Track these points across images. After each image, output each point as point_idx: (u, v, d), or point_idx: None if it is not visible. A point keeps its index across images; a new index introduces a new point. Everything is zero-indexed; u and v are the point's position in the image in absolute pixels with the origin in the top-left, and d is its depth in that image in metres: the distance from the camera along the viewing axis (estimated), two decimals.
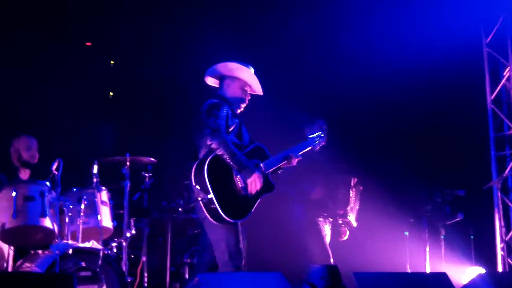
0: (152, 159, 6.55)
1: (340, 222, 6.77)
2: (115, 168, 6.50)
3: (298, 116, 7.00)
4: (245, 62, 5.33)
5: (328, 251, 6.55)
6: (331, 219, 6.71)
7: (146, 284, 6.80)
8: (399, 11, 8.03)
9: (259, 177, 4.96)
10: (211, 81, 5.41)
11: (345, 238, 6.91)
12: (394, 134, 8.74)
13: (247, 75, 5.30)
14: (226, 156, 4.84)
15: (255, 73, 5.34)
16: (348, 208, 6.75)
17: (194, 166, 4.85)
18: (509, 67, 8.17)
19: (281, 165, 5.31)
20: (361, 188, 6.96)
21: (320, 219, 6.66)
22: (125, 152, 6.36)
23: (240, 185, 4.93)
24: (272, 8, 8.26)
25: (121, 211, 6.39)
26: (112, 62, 8.94)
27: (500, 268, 7.85)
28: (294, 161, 5.37)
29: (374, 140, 8.70)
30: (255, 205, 5.01)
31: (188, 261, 7.31)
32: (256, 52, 6.85)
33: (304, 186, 6.67)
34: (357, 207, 6.89)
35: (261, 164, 5.09)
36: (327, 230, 6.69)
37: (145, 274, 6.75)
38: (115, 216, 6.23)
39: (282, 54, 8.29)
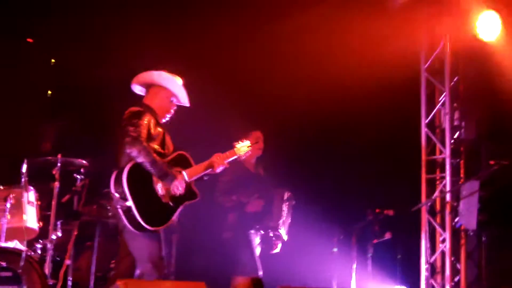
0: (84, 161, 6.48)
1: (271, 235, 6.83)
2: (46, 168, 6.41)
3: (235, 127, 7.03)
4: (176, 72, 5.34)
5: (257, 263, 6.60)
6: (262, 232, 6.76)
7: (71, 287, 6.71)
8: (342, 27, 8.09)
9: (181, 184, 4.95)
10: (137, 89, 5.38)
11: (277, 251, 6.96)
12: (329, 151, 8.85)
13: (174, 86, 5.28)
14: (146, 164, 4.81)
15: (184, 84, 5.33)
16: (280, 221, 6.82)
17: (114, 174, 4.83)
18: (445, 93, 8.39)
19: (205, 173, 5.28)
20: (293, 202, 7.04)
21: (252, 231, 6.71)
22: (57, 152, 6.28)
23: (160, 193, 4.92)
24: (209, 16, 8.23)
25: (49, 213, 6.30)
26: (53, 60, 8.81)
27: None
28: (218, 169, 5.35)
29: (309, 156, 8.79)
30: (176, 213, 5.00)
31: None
32: (193, 62, 6.82)
33: (240, 198, 6.72)
34: (289, 221, 6.97)
35: (183, 172, 5.07)
36: (257, 242, 6.74)
37: (70, 278, 6.66)
38: (43, 218, 6.13)
39: (218, 64, 8.26)
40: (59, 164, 6.31)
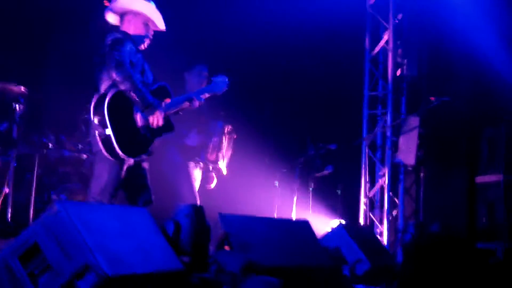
0: (23, 88, 6.30)
1: (210, 168, 6.82)
2: None
3: (178, 60, 6.94)
4: None
5: (195, 194, 6.60)
6: (202, 164, 6.75)
7: (9, 218, 6.61)
8: None
9: (161, 115, 4.91)
10: (112, 18, 5.23)
11: (213, 185, 6.95)
12: (273, 85, 8.85)
13: (149, 9, 5.17)
14: (130, 91, 4.74)
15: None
16: (220, 154, 6.79)
17: (95, 99, 4.73)
18: (388, 29, 8.44)
19: (182, 107, 5.25)
20: (235, 136, 7.01)
21: (192, 163, 6.69)
22: None
23: (139, 123, 4.87)
24: None
25: None
26: None
27: (362, 222, 8.23)
28: (197, 104, 5.32)
29: (253, 91, 8.77)
30: (152, 144, 4.98)
31: (56, 198, 7.15)
32: None
33: (180, 129, 6.65)
34: (229, 155, 6.95)
35: (163, 104, 5.02)
36: (197, 174, 6.72)
37: (9, 209, 6.55)
38: None
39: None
40: None
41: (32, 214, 6.80)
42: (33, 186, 6.88)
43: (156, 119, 4.89)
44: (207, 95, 5.52)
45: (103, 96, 4.73)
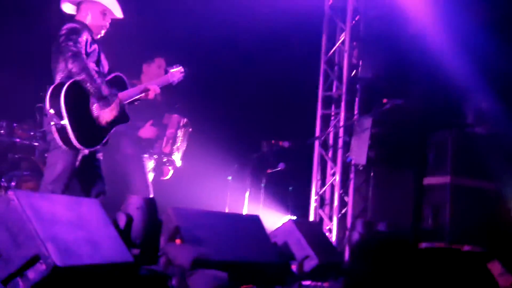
0: None
1: (165, 160, 6.83)
2: None
3: (137, 51, 6.93)
4: None
5: (149, 187, 6.61)
6: (156, 157, 6.75)
7: None
8: None
9: (117, 106, 4.92)
10: (68, 8, 5.19)
11: (168, 177, 6.97)
12: (231, 81, 8.90)
13: None
14: (86, 82, 4.74)
15: None
16: (175, 147, 6.81)
17: (50, 89, 4.71)
18: (345, 31, 8.56)
19: (139, 97, 5.26)
20: (190, 129, 7.04)
21: (146, 155, 6.69)
22: None
23: (95, 114, 4.87)
24: None
25: None
26: None
27: (311, 219, 8.35)
28: (152, 94, 5.33)
29: (210, 86, 8.81)
30: (108, 135, 4.98)
31: (5, 185, 7.09)
32: None
33: (134, 121, 6.64)
34: (184, 148, 6.98)
35: (119, 94, 5.01)
36: (150, 167, 6.73)
37: None
38: None
39: None
40: None
41: None
42: None
43: (112, 110, 4.90)
44: (162, 84, 5.55)
45: (59, 86, 4.71)
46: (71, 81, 4.74)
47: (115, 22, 5.32)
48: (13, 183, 7.10)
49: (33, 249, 3.38)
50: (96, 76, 4.83)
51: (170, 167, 6.90)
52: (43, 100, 4.76)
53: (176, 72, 5.68)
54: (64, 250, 3.50)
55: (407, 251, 5.40)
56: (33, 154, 7.64)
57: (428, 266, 5.21)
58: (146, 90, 5.29)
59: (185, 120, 6.93)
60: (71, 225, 3.76)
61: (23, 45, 7.60)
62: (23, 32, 7.52)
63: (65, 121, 4.65)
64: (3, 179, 7.11)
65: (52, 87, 4.74)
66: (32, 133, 7.43)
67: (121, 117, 5.06)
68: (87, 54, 4.91)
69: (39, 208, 3.62)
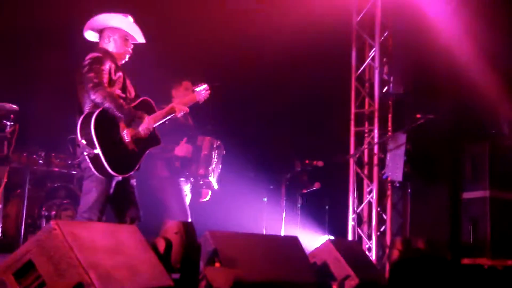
0: (14, 106, 6.35)
1: (201, 183, 6.84)
2: None
3: (166, 76, 6.99)
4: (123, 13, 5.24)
5: (187, 211, 6.60)
6: (192, 179, 6.77)
7: (0, 233, 6.67)
8: None
9: (149, 125, 4.99)
10: (91, 36, 5.27)
11: (207, 199, 6.99)
12: (261, 102, 8.91)
13: (126, 24, 5.19)
14: (113, 109, 4.78)
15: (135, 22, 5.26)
16: (210, 169, 6.82)
17: (80, 120, 4.76)
18: (374, 48, 8.57)
19: (168, 118, 5.31)
20: (223, 152, 7.05)
21: (182, 178, 6.71)
22: None
23: (126, 140, 4.91)
24: None
25: None
26: None
27: (350, 237, 8.31)
28: (179, 113, 5.39)
29: (241, 106, 8.85)
30: (140, 160, 5.02)
31: (46, 213, 7.22)
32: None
33: (166, 144, 6.68)
34: (219, 170, 6.99)
35: (147, 118, 5.05)
36: (187, 190, 6.76)
37: (0, 224, 6.60)
38: None
39: (153, 13, 8.16)
40: None
41: (24, 229, 6.86)
42: (25, 201, 6.95)
43: (146, 126, 4.97)
44: (188, 104, 5.60)
45: (89, 116, 4.76)
46: (99, 110, 4.78)
47: (140, 48, 5.38)
48: (53, 212, 7.22)
49: (76, 277, 3.43)
50: (121, 101, 4.88)
51: (208, 189, 6.92)
52: (74, 132, 4.81)
53: (201, 90, 5.74)
54: (105, 277, 3.54)
55: (447, 268, 5.35)
56: (71, 182, 7.77)
57: (470, 283, 5.15)
58: (173, 111, 5.33)
59: (219, 142, 6.94)
60: (111, 252, 3.80)
61: (61, 75, 7.74)
62: (59, 62, 7.67)
63: (97, 150, 4.70)
64: (43, 208, 7.23)
65: (81, 118, 4.78)
66: (69, 162, 7.56)
67: (152, 141, 5.11)
68: (113, 82, 4.97)
69: (80, 236, 3.67)
